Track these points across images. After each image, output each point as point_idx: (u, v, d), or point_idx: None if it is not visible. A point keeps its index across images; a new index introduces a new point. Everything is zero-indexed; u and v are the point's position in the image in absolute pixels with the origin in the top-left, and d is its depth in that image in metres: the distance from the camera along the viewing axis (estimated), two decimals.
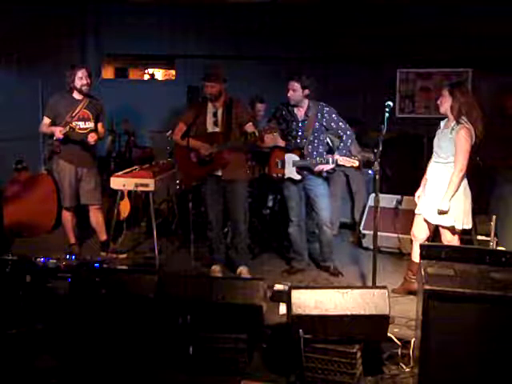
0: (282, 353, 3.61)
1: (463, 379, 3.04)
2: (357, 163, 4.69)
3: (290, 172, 5.01)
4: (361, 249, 5.94)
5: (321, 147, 5.01)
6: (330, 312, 3.32)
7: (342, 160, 4.76)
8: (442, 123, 4.38)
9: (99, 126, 5.37)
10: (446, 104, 4.26)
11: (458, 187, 4.20)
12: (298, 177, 5.01)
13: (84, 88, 5.16)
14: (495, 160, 5.56)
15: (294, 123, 5.00)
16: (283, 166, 5.03)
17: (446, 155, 4.25)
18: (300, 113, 4.99)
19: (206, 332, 3.54)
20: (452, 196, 4.20)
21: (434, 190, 4.33)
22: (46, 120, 5.19)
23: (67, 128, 5.07)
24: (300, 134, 5.00)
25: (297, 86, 4.83)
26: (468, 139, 4.15)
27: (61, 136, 5.05)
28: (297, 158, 4.97)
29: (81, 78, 5.12)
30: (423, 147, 6.34)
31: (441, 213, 4.24)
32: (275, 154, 5.09)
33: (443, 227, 4.33)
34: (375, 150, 4.22)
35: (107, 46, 8.07)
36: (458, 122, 4.19)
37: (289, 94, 4.89)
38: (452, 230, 4.30)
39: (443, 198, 4.22)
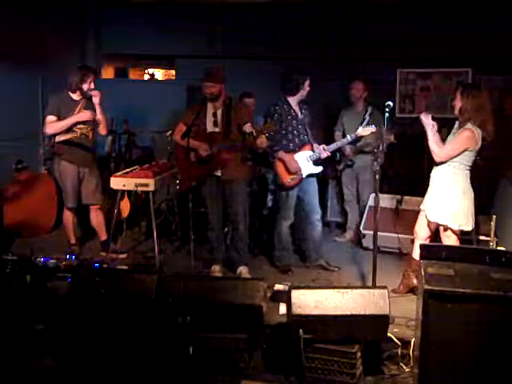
0: (282, 353, 3.61)
1: (463, 379, 3.04)
2: (374, 129, 4.74)
3: (309, 169, 5.05)
4: (361, 249, 5.94)
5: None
6: (330, 312, 3.32)
7: (362, 131, 4.80)
8: (456, 124, 4.33)
9: (98, 113, 5.19)
10: (457, 106, 4.24)
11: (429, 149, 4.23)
12: (319, 169, 5.08)
13: (88, 92, 5.16)
14: (495, 160, 5.56)
15: (295, 121, 5.00)
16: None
17: None
18: (297, 110, 5.05)
19: (205, 332, 3.55)
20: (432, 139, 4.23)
21: (436, 189, 4.33)
22: (52, 118, 5.13)
23: (71, 134, 5.09)
24: (301, 129, 5.04)
25: None
26: (468, 141, 4.13)
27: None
28: (311, 153, 5.04)
29: (90, 83, 5.13)
30: (423, 147, 6.32)
31: None
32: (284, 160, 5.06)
33: (441, 225, 4.33)
34: (375, 150, 4.23)
35: (107, 46, 8.06)
36: (461, 124, 4.19)
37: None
38: (451, 230, 4.28)
39: None
